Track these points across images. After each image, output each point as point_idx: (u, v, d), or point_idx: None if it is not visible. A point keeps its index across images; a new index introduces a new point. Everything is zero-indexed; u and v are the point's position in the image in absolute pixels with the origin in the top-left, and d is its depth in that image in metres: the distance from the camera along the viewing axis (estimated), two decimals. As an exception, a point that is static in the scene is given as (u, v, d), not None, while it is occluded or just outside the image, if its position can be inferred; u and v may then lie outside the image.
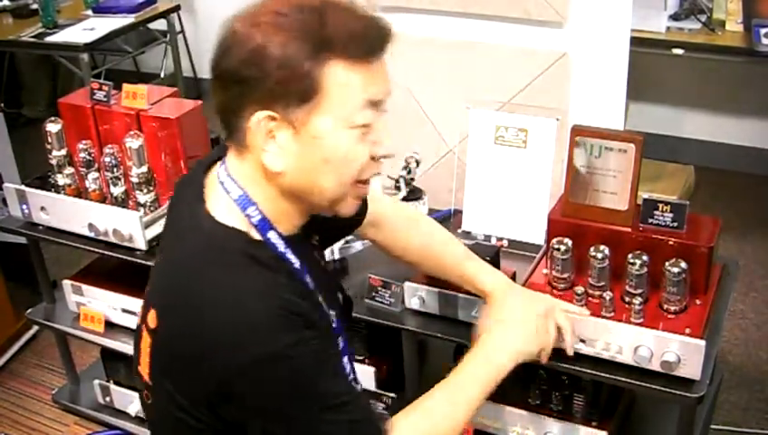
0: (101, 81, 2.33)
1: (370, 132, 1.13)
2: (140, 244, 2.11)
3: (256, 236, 1.15)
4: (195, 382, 1.11)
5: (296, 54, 1.06)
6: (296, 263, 1.18)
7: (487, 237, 2.01)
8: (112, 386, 2.50)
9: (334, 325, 1.25)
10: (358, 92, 1.09)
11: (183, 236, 1.19)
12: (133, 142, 2.12)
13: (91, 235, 2.18)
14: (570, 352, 1.55)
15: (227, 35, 1.10)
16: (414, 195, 2.16)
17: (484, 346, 1.38)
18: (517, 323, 1.43)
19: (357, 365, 1.99)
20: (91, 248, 2.22)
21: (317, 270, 1.26)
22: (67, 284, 2.45)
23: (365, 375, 2.01)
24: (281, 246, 1.16)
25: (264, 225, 1.15)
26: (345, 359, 1.29)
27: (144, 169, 2.13)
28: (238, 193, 1.15)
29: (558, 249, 1.69)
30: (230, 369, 1.07)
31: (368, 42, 1.10)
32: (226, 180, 1.16)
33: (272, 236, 1.16)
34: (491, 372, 1.34)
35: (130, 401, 2.46)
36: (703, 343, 1.54)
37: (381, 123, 1.14)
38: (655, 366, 1.57)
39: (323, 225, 1.35)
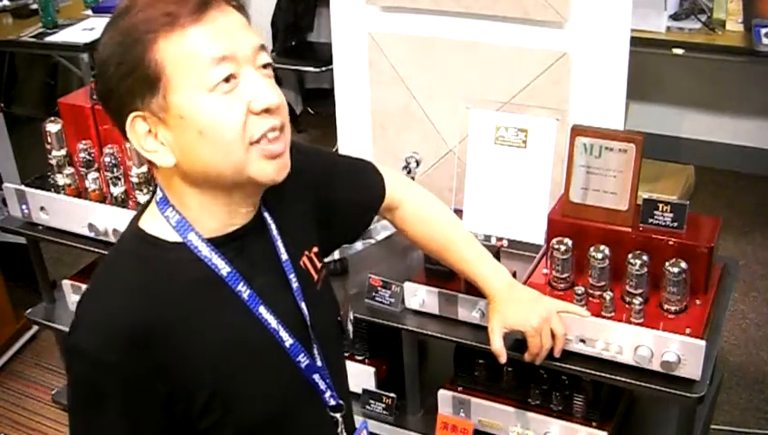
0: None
1: (238, 90, 1.07)
2: (140, 244, 2.10)
3: (177, 238, 1.13)
4: None
5: (125, 46, 1.05)
6: (224, 270, 1.14)
7: (487, 237, 2.01)
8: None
9: (288, 343, 1.19)
10: (199, 55, 1.05)
11: None
12: (133, 142, 2.12)
13: (91, 235, 2.18)
14: (556, 354, 1.59)
15: None
16: (414, 195, 2.16)
17: None
18: None
19: (357, 365, 2.01)
20: (91, 248, 2.21)
21: (270, 280, 1.20)
22: (67, 284, 2.45)
23: (365, 375, 2.01)
24: (204, 250, 1.13)
25: (183, 226, 1.13)
26: (316, 376, 1.24)
27: (144, 169, 2.13)
28: (160, 195, 1.16)
29: (558, 249, 1.69)
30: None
31: (189, 3, 1.05)
32: (158, 186, 1.17)
33: (192, 238, 1.13)
34: None
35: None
36: (703, 343, 1.54)
37: (249, 77, 1.08)
38: (655, 366, 1.57)
39: (336, 216, 1.34)
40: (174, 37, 1.05)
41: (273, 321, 1.18)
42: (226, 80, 1.06)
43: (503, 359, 1.57)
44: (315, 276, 1.30)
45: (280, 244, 1.23)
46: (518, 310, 1.55)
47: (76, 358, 1.11)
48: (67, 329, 2.52)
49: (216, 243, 1.14)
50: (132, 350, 1.07)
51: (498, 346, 1.56)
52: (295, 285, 1.23)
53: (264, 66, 1.11)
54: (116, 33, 1.07)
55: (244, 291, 1.15)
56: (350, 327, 1.41)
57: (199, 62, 1.05)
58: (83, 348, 1.09)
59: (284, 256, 1.23)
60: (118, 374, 1.08)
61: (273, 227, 1.22)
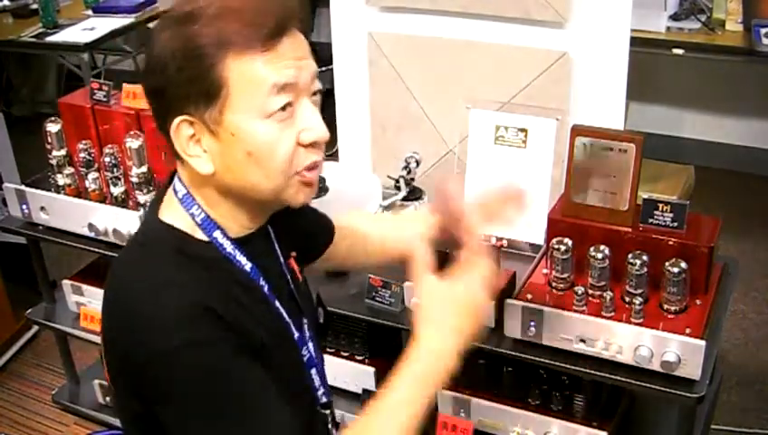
0: (101, 81, 2.33)
1: (292, 118, 1.09)
2: (140, 244, 2.10)
3: (201, 236, 1.14)
4: (122, 378, 1.12)
5: (192, 54, 1.05)
6: (247, 265, 1.16)
7: (487, 237, 2.01)
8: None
9: (296, 335, 1.23)
10: (264, 80, 1.06)
11: (131, 238, 1.21)
12: (133, 142, 2.12)
13: (91, 235, 2.18)
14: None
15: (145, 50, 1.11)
16: (414, 195, 2.16)
17: (416, 362, 1.13)
18: (446, 315, 1.15)
19: (357, 365, 2.01)
20: (91, 248, 2.22)
21: (277, 277, 1.23)
22: (67, 284, 2.45)
23: (365, 375, 2.01)
24: (228, 247, 1.15)
25: (209, 224, 1.14)
26: (313, 371, 1.27)
27: (144, 169, 2.13)
28: (183, 192, 1.16)
29: (558, 249, 1.69)
30: (133, 360, 1.07)
31: (266, 26, 1.06)
32: (177, 183, 1.17)
33: (218, 236, 1.14)
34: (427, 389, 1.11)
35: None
36: (703, 343, 1.54)
37: (304, 107, 1.10)
38: (655, 366, 1.57)
39: (296, 243, 1.35)
40: (244, 60, 1.05)
41: (285, 315, 1.21)
42: (283, 108, 1.08)
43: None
44: (300, 277, 1.33)
45: (277, 247, 1.26)
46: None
47: (174, 358, 1.04)
48: (67, 329, 2.53)
49: (238, 243, 1.16)
50: (226, 324, 1.06)
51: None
52: (292, 285, 1.27)
53: (315, 93, 1.13)
54: (180, 38, 1.06)
55: (264, 286, 1.18)
56: (322, 320, 1.44)
57: (261, 89, 1.06)
58: (174, 346, 1.04)
59: (282, 259, 1.27)
60: (234, 344, 1.06)
61: (271, 232, 1.25)
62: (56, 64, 4.62)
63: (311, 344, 1.28)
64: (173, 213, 1.16)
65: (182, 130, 1.09)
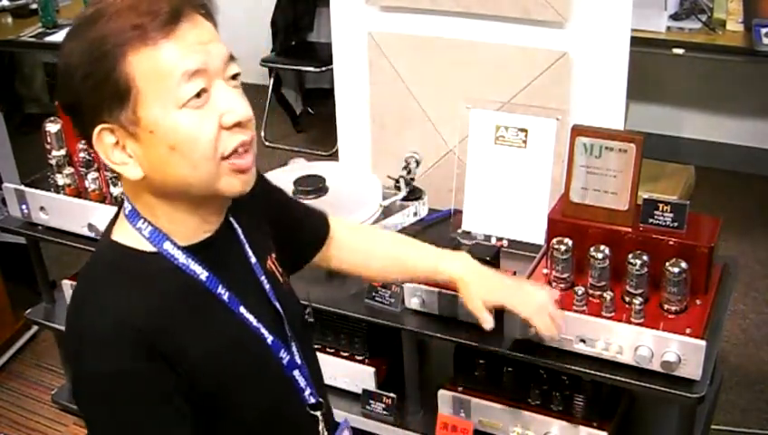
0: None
1: (209, 103, 1.07)
2: (140, 244, 2.10)
3: (150, 248, 1.13)
4: None
5: (94, 58, 1.03)
6: (202, 274, 1.14)
7: (487, 237, 2.01)
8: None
9: (269, 340, 1.21)
10: (170, 71, 1.03)
11: None
12: (133, 142, 2.12)
13: (91, 235, 2.18)
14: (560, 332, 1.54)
15: None
16: (414, 195, 2.16)
17: None
18: None
19: (357, 365, 2.01)
20: (91, 248, 2.20)
21: (243, 282, 1.21)
22: (66, 284, 2.45)
23: (365, 375, 2.01)
24: (180, 257, 1.13)
25: (157, 236, 1.13)
26: (296, 372, 1.26)
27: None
28: (129, 209, 1.15)
29: (558, 249, 1.69)
30: (73, 378, 1.11)
31: (160, 13, 1.03)
32: (125, 200, 1.17)
33: (168, 247, 1.13)
34: None
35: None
36: (703, 343, 1.53)
37: (219, 89, 1.08)
38: (655, 366, 1.57)
39: (285, 247, 1.34)
40: (144, 52, 1.03)
41: (253, 320, 1.19)
42: (198, 95, 1.05)
43: (490, 325, 1.47)
44: (281, 279, 1.32)
45: (248, 248, 1.24)
46: (496, 284, 1.48)
47: (102, 381, 1.08)
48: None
49: (191, 250, 1.15)
50: (146, 352, 1.07)
51: (490, 322, 1.46)
52: (267, 286, 1.25)
53: (233, 77, 1.10)
54: (83, 43, 1.05)
55: (223, 293, 1.16)
56: (311, 319, 1.43)
57: (170, 78, 1.04)
58: (105, 370, 1.07)
59: (253, 259, 1.25)
60: (146, 380, 1.07)
61: (239, 232, 1.24)
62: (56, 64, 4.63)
63: (293, 346, 1.26)
64: (123, 231, 1.16)
65: (104, 138, 1.08)
